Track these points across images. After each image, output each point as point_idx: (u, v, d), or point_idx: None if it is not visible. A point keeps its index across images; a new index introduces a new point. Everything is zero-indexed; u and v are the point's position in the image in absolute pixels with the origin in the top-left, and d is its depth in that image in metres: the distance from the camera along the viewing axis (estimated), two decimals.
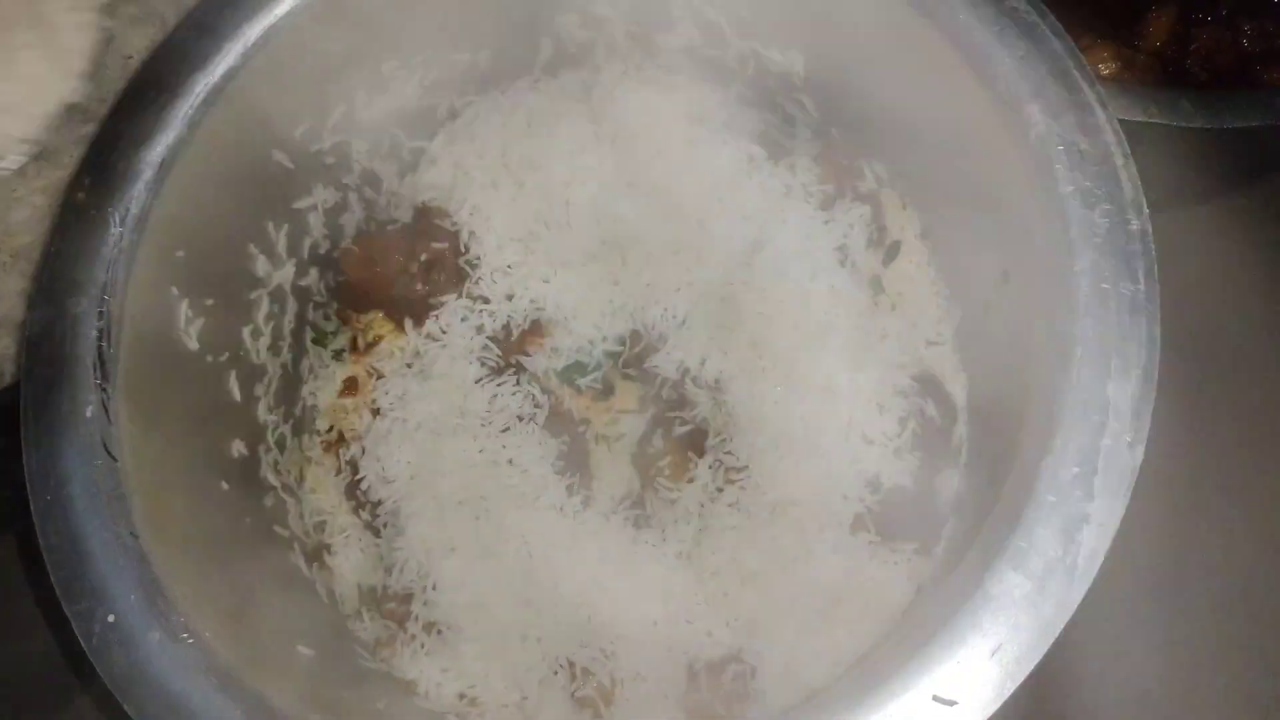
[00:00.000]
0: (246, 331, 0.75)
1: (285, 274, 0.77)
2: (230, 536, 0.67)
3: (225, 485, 0.69)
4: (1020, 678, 0.49)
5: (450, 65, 0.80)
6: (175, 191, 0.66)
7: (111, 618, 0.56)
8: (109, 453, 0.59)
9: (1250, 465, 0.83)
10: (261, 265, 0.76)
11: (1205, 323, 0.84)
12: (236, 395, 0.73)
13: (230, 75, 0.68)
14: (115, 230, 0.64)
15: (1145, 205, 0.56)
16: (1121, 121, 0.63)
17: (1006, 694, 0.49)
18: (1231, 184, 0.86)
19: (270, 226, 0.76)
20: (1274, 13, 0.79)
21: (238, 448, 0.72)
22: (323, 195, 0.79)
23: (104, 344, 0.62)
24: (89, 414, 0.60)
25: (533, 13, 0.79)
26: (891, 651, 0.51)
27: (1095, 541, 0.51)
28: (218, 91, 0.67)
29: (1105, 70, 0.80)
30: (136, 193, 0.65)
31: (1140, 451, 0.52)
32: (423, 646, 0.69)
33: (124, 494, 0.59)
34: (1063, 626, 0.50)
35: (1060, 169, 0.57)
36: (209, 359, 0.71)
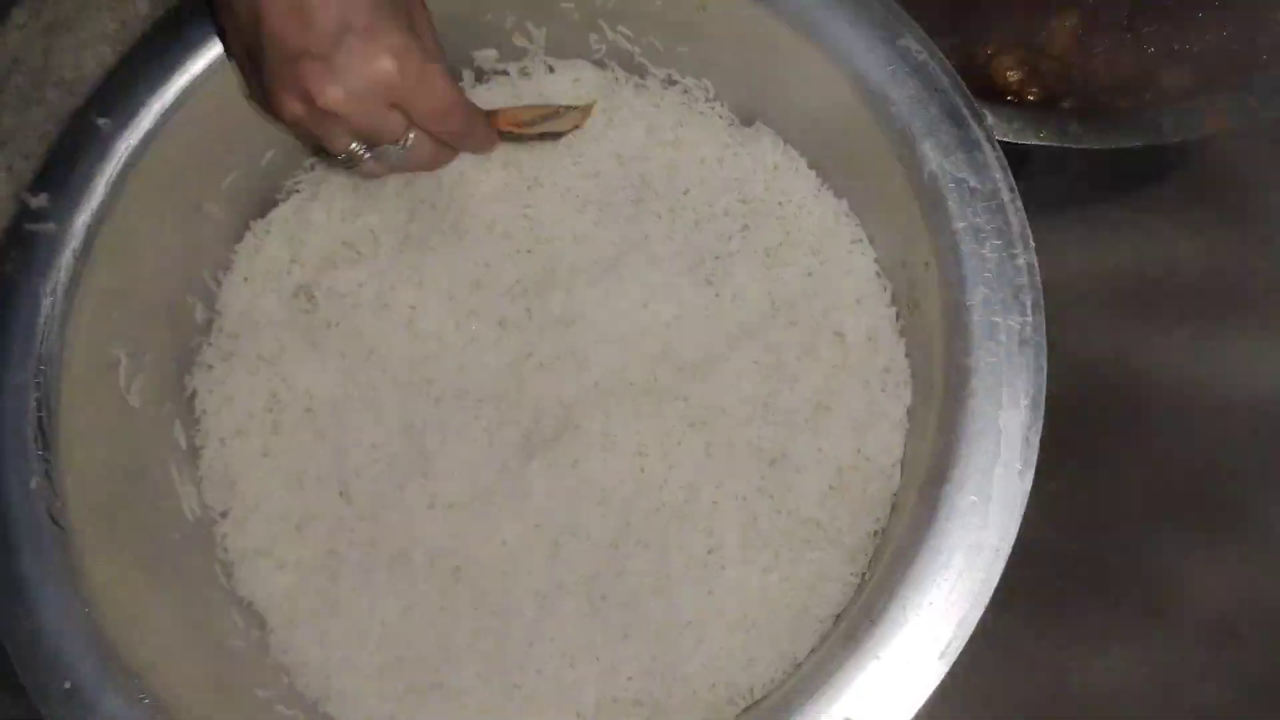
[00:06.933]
0: (189, 379, 0.76)
1: None
2: (185, 590, 0.69)
3: (177, 536, 0.71)
4: (924, 697, 0.53)
5: None
6: (105, 256, 0.67)
7: (68, 684, 0.58)
8: (56, 523, 0.61)
9: (1123, 478, 0.86)
10: (200, 312, 0.77)
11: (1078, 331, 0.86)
12: (183, 444, 0.75)
13: (151, 136, 0.69)
14: (46, 301, 0.65)
15: (1031, 239, 0.58)
16: (1011, 144, 0.66)
17: (911, 714, 0.53)
18: (1114, 195, 0.89)
19: (206, 274, 0.77)
20: (1174, 18, 0.82)
21: (187, 496, 0.74)
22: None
23: (43, 414, 0.63)
24: (33, 485, 0.62)
25: (452, 44, 0.79)
26: (805, 677, 0.55)
27: (990, 567, 0.54)
28: (139, 154, 0.68)
29: (1012, 77, 0.82)
30: (65, 262, 0.66)
31: (1029, 478, 0.55)
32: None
33: (74, 562, 0.61)
34: (961, 648, 0.53)
35: (952, 206, 0.60)
36: (152, 411, 0.73)
